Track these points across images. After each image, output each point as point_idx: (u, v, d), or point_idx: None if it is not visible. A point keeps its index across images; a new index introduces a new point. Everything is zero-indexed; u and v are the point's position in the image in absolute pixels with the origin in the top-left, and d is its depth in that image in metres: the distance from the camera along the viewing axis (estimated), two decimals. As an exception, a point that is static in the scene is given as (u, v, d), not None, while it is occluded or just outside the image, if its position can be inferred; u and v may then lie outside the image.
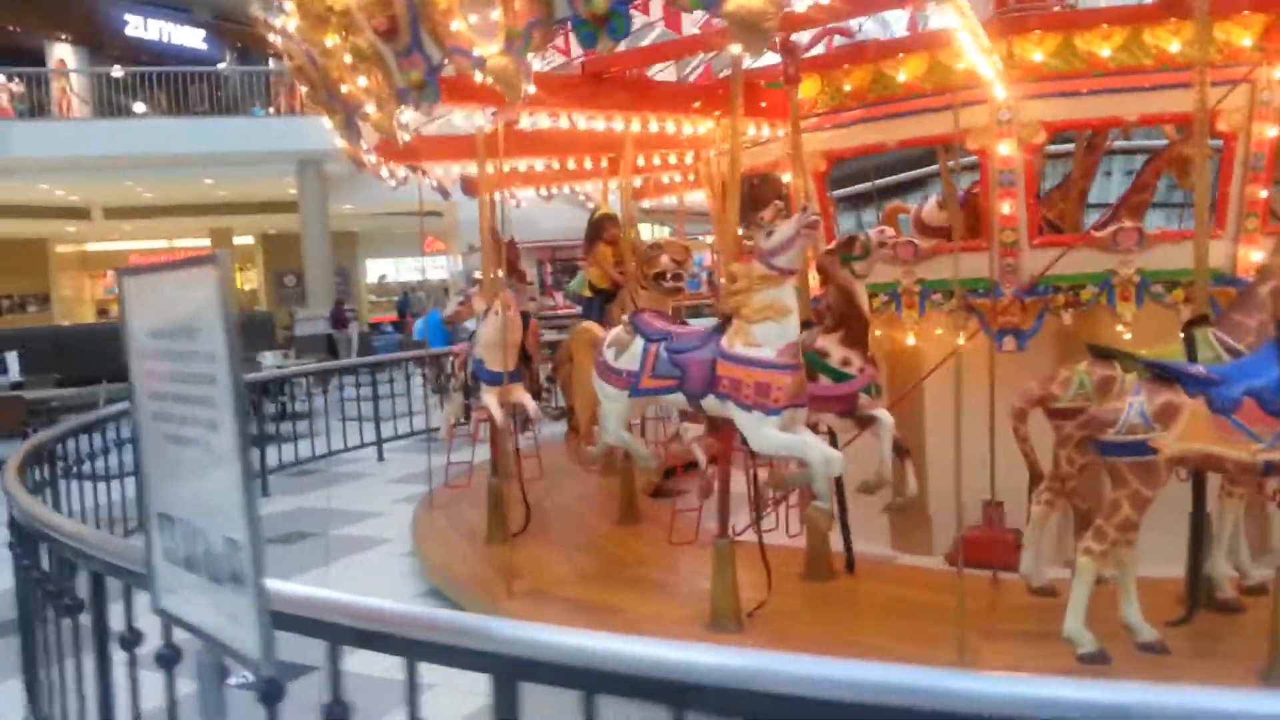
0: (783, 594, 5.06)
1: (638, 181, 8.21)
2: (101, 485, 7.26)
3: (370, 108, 5.10)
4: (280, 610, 1.86)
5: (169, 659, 2.60)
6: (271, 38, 6.03)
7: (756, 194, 4.89)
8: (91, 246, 28.11)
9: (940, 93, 5.39)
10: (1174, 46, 5.09)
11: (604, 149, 7.39)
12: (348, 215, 23.43)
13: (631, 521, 6.83)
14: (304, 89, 6.04)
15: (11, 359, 13.87)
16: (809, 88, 5.97)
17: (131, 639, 2.90)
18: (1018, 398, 4.51)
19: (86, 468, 7.22)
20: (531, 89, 4.29)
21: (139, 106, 21.75)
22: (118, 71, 22.42)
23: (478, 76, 4.15)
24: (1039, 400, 4.41)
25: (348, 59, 4.79)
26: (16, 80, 20.83)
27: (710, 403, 4.82)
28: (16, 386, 13.06)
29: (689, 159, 7.53)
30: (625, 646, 1.77)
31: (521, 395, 6.63)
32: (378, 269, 30.41)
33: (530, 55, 4.20)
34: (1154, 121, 6.15)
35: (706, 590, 4.90)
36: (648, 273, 6.45)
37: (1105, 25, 5.21)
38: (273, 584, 1.80)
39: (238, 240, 27.79)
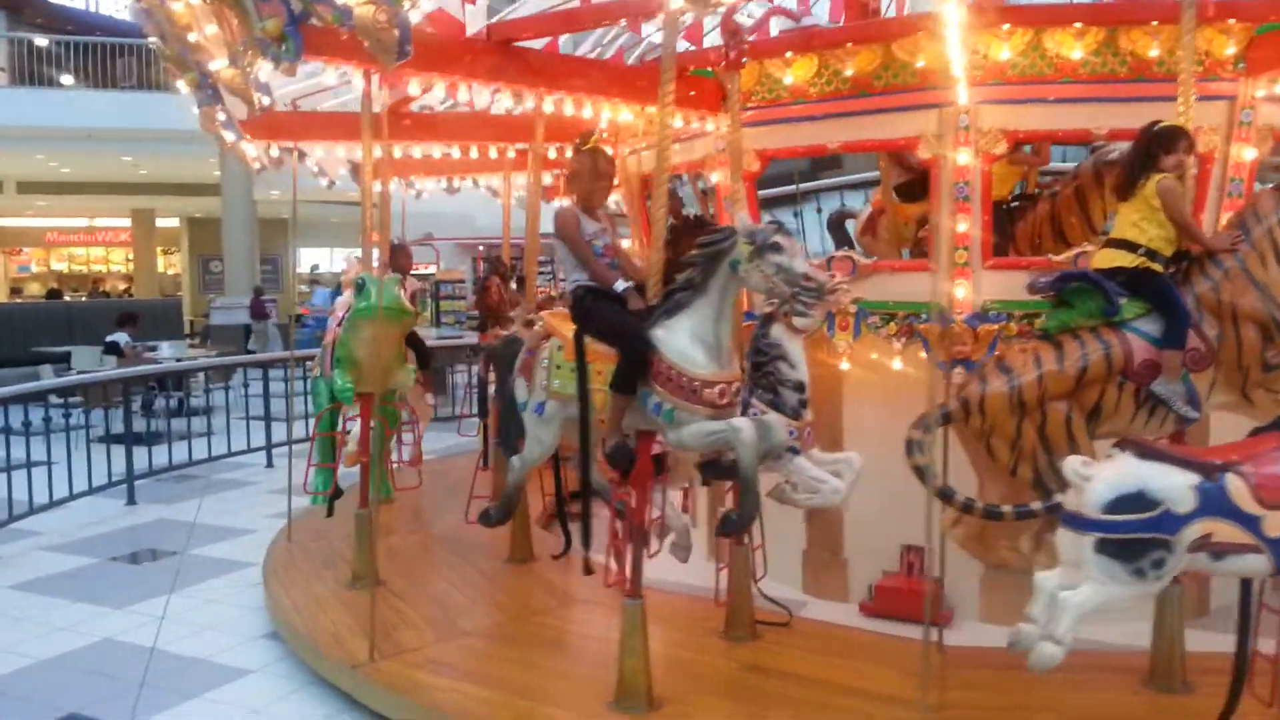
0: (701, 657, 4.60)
1: (548, 178, 7.44)
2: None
3: (221, 63, 4.35)
4: None
5: None
6: None
7: None
8: (5, 222, 26.74)
9: (894, 92, 4.95)
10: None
11: (510, 136, 6.60)
12: (277, 202, 22.37)
13: (522, 559, 6.04)
14: (155, 42, 5.14)
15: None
16: (747, 77, 5.32)
17: None
18: None
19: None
20: (409, 48, 3.61)
21: (67, 78, 20.56)
22: (41, 40, 21.22)
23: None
24: None
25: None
26: (-74, 42, 19.60)
27: None
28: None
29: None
30: None
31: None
32: (311, 259, 29.33)
33: (407, 6, 3.57)
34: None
35: (611, 650, 4.07)
36: None
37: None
38: None
39: (162, 222, 26.64)
